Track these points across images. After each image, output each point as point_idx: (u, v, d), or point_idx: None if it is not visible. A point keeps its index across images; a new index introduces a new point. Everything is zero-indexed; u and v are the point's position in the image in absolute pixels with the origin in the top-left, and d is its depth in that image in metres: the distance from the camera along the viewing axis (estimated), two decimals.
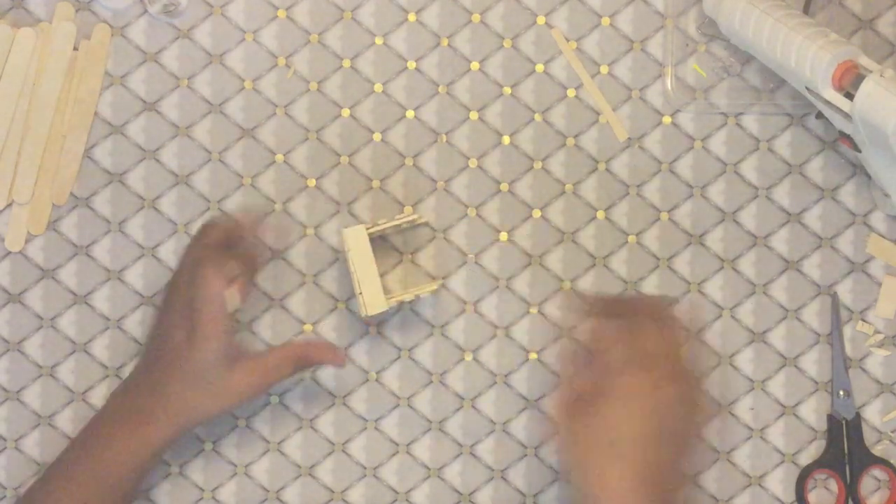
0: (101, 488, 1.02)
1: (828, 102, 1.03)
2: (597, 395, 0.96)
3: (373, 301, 1.06)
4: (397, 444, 1.12)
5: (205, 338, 1.02)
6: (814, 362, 1.13)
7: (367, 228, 1.06)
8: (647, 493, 0.94)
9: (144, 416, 1.03)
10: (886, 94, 0.99)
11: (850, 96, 1.02)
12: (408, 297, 1.08)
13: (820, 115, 1.07)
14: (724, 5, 1.08)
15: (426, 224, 1.12)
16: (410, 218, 1.08)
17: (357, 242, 1.06)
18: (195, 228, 1.12)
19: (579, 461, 0.95)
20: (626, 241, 1.13)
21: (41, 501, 1.03)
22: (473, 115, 1.13)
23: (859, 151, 1.05)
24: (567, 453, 0.96)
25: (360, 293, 1.06)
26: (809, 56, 1.02)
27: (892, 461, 1.12)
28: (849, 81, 1.02)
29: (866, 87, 1.00)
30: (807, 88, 1.04)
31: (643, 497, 0.93)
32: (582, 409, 0.96)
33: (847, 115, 1.02)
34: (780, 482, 1.12)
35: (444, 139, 1.13)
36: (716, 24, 1.10)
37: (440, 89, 1.13)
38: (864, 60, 1.02)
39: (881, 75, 1.00)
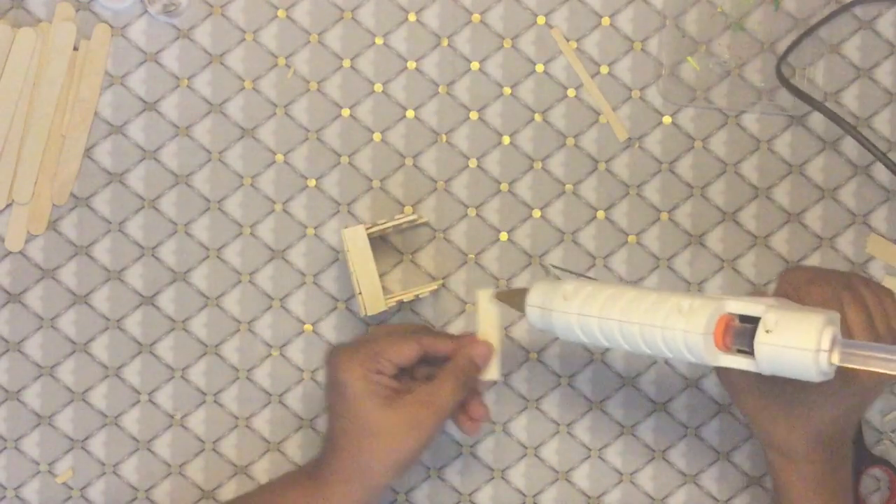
0: None
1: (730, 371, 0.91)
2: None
3: (372, 301, 1.06)
4: None
5: (350, 383, 0.99)
6: None
7: (367, 228, 1.06)
8: None
9: (320, 469, 1.00)
10: (785, 351, 0.87)
11: (743, 352, 0.89)
12: (407, 297, 1.08)
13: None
14: (556, 320, 0.96)
15: (426, 224, 1.12)
16: (410, 218, 1.08)
17: (357, 242, 1.06)
18: (195, 229, 1.12)
19: None
20: (626, 241, 1.13)
21: None
22: (473, 115, 1.13)
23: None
24: None
25: (360, 293, 1.06)
26: (679, 337, 0.90)
27: (892, 461, 1.12)
28: (731, 338, 0.90)
29: (762, 349, 0.87)
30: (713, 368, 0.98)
31: None
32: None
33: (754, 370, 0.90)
34: None
35: (444, 139, 1.13)
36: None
37: (440, 89, 1.13)
38: (734, 305, 0.90)
39: (769, 316, 0.87)
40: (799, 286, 0.96)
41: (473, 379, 1.02)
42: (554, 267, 1.09)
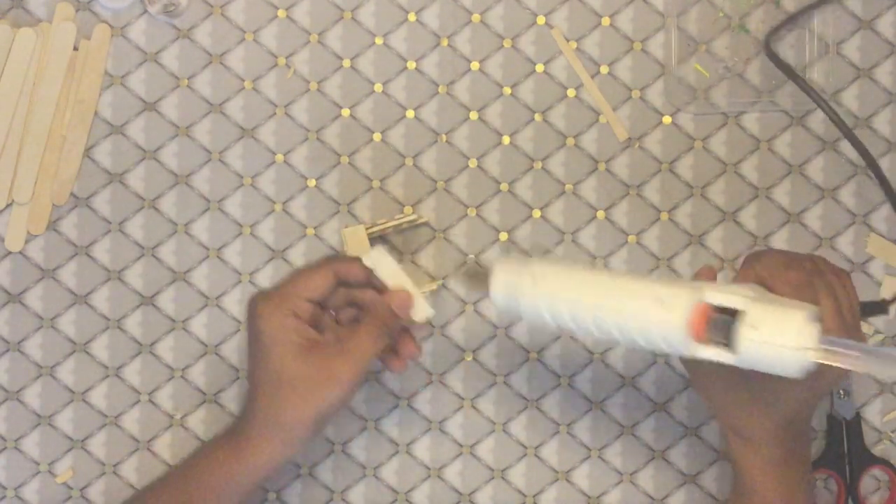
0: (194, 497, 0.99)
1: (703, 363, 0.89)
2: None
3: None
4: (397, 444, 1.12)
5: (266, 335, 0.97)
6: None
7: (367, 228, 1.06)
8: None
9: (241, 426, 0.99)
10: (770, 348, 0.86)
11: (723, 345, 0.88)
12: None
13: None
14: (523, 303, 0.93)
15: (426, 224, 1.12)
16: (410, 218, 1.08)
17: (356, 242, 1.06)
18: (195, 229, 1.12)
19: None
20: (626, 241, 1.13)
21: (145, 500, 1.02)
22: (473, 115, 1.13)
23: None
24: None
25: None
26: (657, 329, 0.88)
27: (892, 461, 1.12)
28: (708, 329, 0.88)
29: (746, 345, 0.86)
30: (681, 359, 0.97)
31: None
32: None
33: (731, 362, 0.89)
34: None
35: (444, 139, 1.13)
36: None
37: (440, 89, 1.13)
38: (713, 296, 0.88)
39: (754, 312, 0.86)
40: (773, 271, 0.94)
41: (395, 326, 1.00)
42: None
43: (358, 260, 1.01)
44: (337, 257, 1.04)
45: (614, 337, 0.90)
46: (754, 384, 0.95)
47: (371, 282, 1.01)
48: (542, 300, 0.92)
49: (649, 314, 0.88)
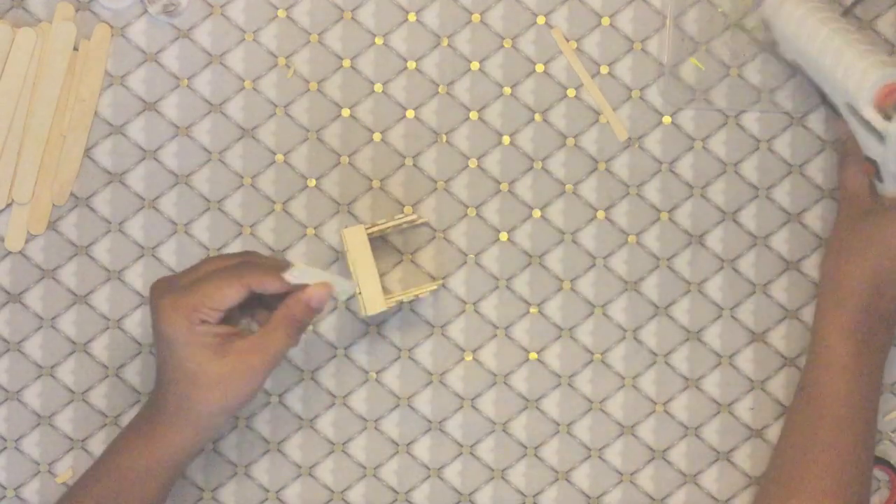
0: (122, 490, 1.01)
1: (864, 122, 1.02)
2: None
3: (372, 301, 1.06)
4: (397, 444, 1.12)
5: (172, 331, 0.97)
6: None
7: (367, 228, 1.06)
8: None
9: (156, 416, 1.01)
10: None
11: (889, 119, 1.01)
12: (407, 297, 1.08)
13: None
14: (783, 10, 1.07)
15: (426, 224, 1.12)
16: (410, 218, 1.08)
17: (356, 242, 1.06)
18: (195, 229, 1.12)
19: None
20: (626, 241, 1.13)
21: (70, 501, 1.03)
22: (473, 115, 1.13)
23: (881, 181, 1.05)
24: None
25: (360, 293, 1.06)
26: (857, 71, 1.01)
27: (892, 461, 1.12)
28: (891, 104, 1.01)
29: None
30: (847, 105, 1.04)
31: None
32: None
33: (880, 139, 1.02)
34: None
35: (444, 139, 1.13)
36: (758, 30, 1.10)
37: (440, 89, 1.13)
38: None
39: None
40: None
41: (308, 321, 1.01)
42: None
43: (275, 274, 1.00)
44: (253, 268, 1.01)
45: (823, 66, 1.04)
46: (859, 226, 1.05)
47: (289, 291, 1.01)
48: (795, 17, 1.06)
49: (863, 61, 1.01)
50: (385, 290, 1.07)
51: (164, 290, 1.00)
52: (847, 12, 1.11)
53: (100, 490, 1.02)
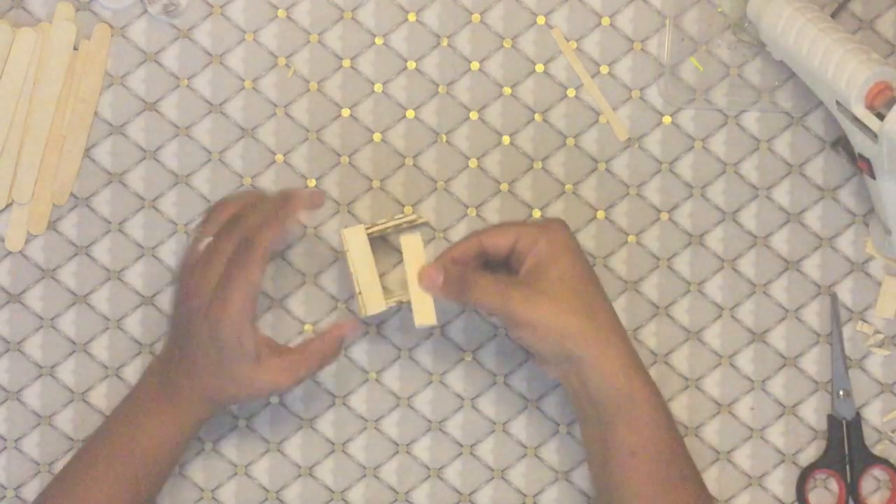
0: (136, 465, 1.03)
1: (856, 120, 1.03)
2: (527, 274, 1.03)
3: (372, 301, 1.06)
4: (397, 444, 1.12)
5: (226, 336, 1.01)
6: (814, 362, 1.13)
7: (367, 228, 1.06)
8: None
9: (177, 393, 1.03)
10: None
11: (880, 117, 1.01)
12: (407, 298, 1.08)
13: (836, 145, 1.08)
14: (770, 11, 1.07)
15: (426, 224, 1.12)
16: (410, 218, 1.08)
17: (356, 242, 1.06)
18: (195, 229, 1.12)
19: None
20: (626, 241, 1.13)
21: (77, 478, 1.04)
22: (473, 115, 1.13)
23: (874, 178, 1.05)
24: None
25: (360, 293, 1.06)
26: (847, 70, 1.02)
27: (892, 461, 1.12)
28: (881, 102, 1.01)
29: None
30: (837, 104, 1.04)
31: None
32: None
33: (872, 137, 1.02)
34: (780, 482, 1.12)
35: (444, 139, 1.13)
36: (755, 29, 1.10)
37: (440, 89, 1.13)
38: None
39: None
40: None
41: (338, 355, 1.06)
42: None
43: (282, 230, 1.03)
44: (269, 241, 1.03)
45: (812, 66, 1.04)
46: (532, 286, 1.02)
47: None
48: (782, 18, 1.06)
49: (854, 59, 1.02)
50: (385, 291, 1.07)
51: (234, 301, 1.01)
52: (838, 11, 1.11)
53: (112, 468, 1.03)
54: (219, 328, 1.01)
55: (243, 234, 1.01)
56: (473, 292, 1.02)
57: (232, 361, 1.02)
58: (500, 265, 1.05)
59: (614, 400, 1.01)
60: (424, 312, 1.05)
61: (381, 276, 1.09)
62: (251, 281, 1.00)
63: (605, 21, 1.13)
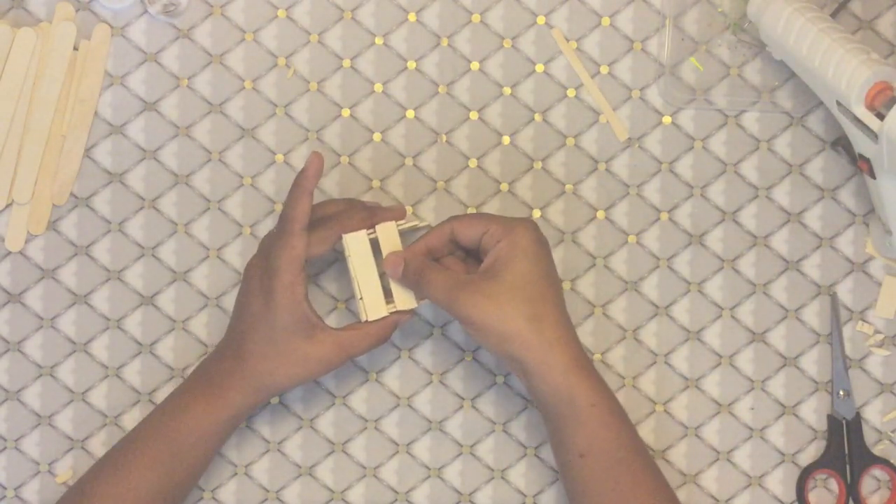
0: (180, 450, 1.04)
1: (856, 120, 1.03)
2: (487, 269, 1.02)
3: (373, 307, 1.05)
4: (397, 444, 1.12)
5: (280, 307, 1.02)
6: (814, 362, 1.13)
7: (369, 233, 1.06)
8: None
9: (227, 379, 1.04)
10: None
11: (880, 117, 1.01)
12: (409, 306, 1.07)
13: (836, 145, 1.08)
14: (770, 11, 1.07)
15: (426, 225, 1.12)
16: (412, 224, 1.08)
17: (358, 247, 1.06)
18: (195, 229, 1.12)
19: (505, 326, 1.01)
20: (626, 241, 1.13)
21: (122, 461, 1.05)
22: (473, 115, 1.13)
23: (874, 178, 1.05)
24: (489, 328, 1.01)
25: (361, 299, 1.05)
26: (847, 70, 1.02)
27: (892, 461, 1.12)
28: (881, 102, 1.02)
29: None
30: (837, 104, 1.04)
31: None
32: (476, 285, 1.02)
33: (872, 137, 1.02)
34: (780, 482, 1.13)
35: (444, 139, 1.13)
36: (755, 29, 1.10)
37: (440, 89, 1.13)
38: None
39: None
40: None
41: (380, 342, 1.06)
42: None
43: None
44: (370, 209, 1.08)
45: (813, 66, 1.04)
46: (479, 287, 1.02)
47: None
48: (782, 18, 1.06)
49: (854, 59, 1.02)
50: (386, 294, 1.07)
51: (298, 282, 1.03)
52: (838, 11, 1.11)
53: (155, 451, 1.04)
54: (272, 298, 1.02)
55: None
56: (426, 287, 1.03)
57: (285, 336, 1.03)
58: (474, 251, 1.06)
59: (556, 404, 1.01)
60: (404, 298, 1.06)
61: (382, 276, 1.09)
62: (294, 253, 1.02)
63: (605, 21, 1.13)
